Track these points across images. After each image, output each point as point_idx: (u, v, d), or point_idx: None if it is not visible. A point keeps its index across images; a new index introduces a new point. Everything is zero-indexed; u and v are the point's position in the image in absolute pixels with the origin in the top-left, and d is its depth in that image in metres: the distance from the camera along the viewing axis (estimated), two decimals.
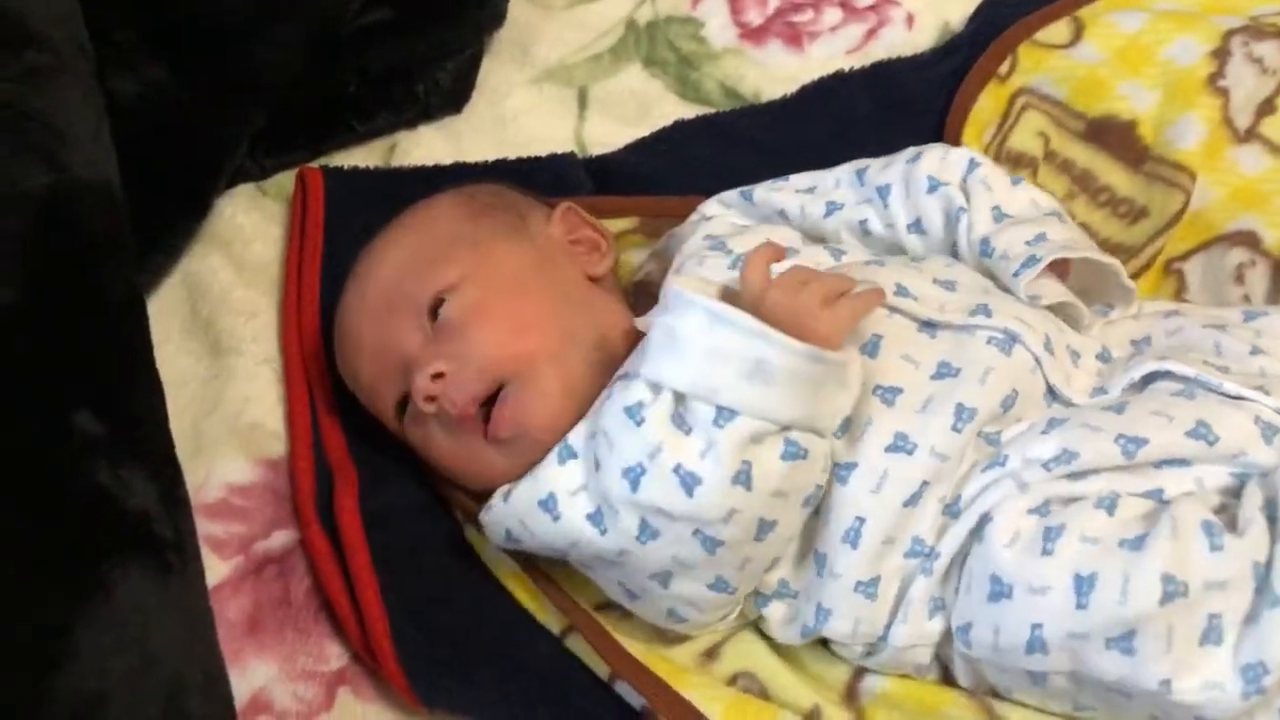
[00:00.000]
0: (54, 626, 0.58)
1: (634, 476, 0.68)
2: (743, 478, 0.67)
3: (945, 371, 0.73)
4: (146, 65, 0.91)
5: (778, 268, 0.72)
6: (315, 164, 1.02)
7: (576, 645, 0.76)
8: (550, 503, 0.71)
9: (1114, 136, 0.96)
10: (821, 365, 0.67)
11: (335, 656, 0.80)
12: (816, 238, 0.87)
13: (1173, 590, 0.63)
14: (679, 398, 0.67)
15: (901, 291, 0.76)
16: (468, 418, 0.76)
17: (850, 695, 0.73)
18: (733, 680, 0.74)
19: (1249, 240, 0.90)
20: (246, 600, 0.82)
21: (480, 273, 0.79)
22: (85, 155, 0.78)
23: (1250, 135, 0.94)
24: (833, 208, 0.86)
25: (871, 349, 0.74)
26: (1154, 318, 0.82)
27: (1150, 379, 0.74)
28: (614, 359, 0.76)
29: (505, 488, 0.74)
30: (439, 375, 0.76)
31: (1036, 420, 0.73)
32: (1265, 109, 0.95)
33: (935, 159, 0.85)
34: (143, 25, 0.91)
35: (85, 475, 0.65)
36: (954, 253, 0.83)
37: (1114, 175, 0.95)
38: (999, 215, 0.83)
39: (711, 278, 0.77)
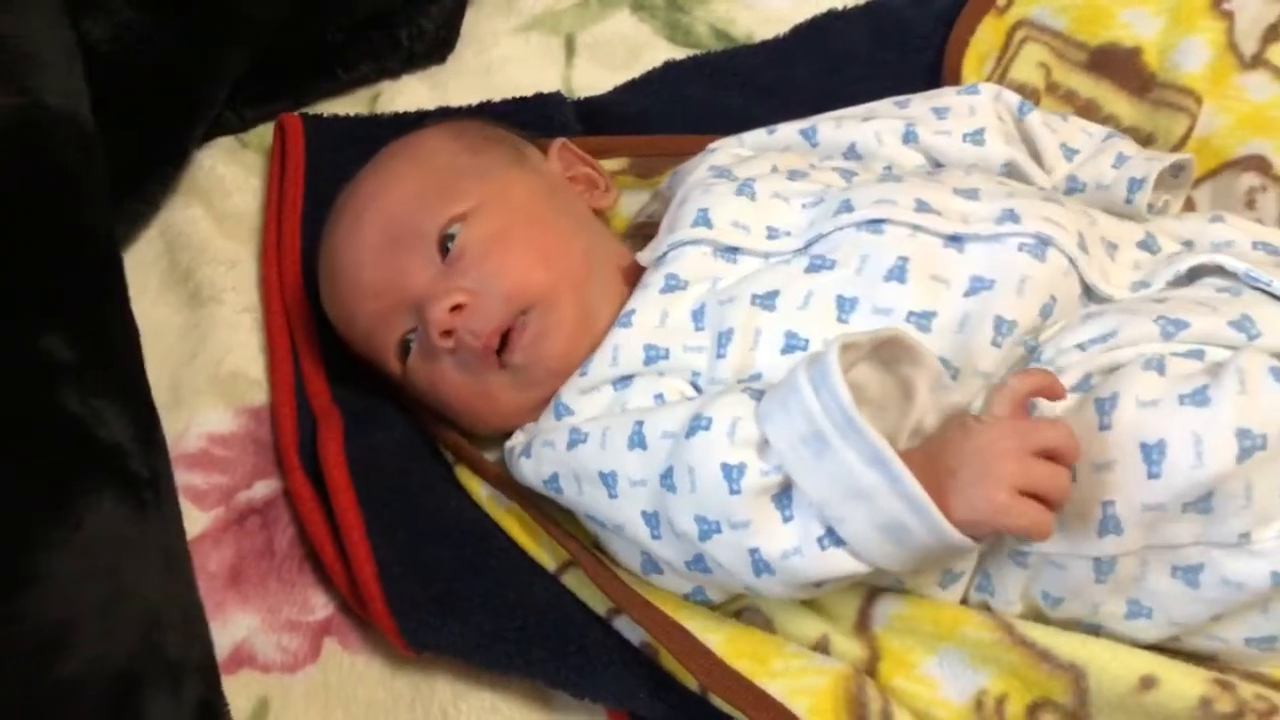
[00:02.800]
0: (17, 547, 0.55)
1: (706, 529, 0.63)
2: (813, 587, 0.64)
3: (979, 285, 0.68)
4: (119, 7, 0.88)
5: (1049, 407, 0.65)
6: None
7: (574, 581, 0.73)
8: (611, 480, 0.68)
9: (1117, 65, 0.93)
10: (956, 548, 0.61)
11: (320, 606, 0.78)
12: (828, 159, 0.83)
13: (1250, 445, 0.59)
14: (790, 480, 0.62)
15: (922, 207, 0.71)
16: (489, 350, 0.73)
17: (862, 623, 0.69)
18: (737, 614, 0.71)
19: (1259, 165, 0.87)
20: (228, 551, 0.79)
21: (493, 202, 0.76)
22: (56, 84, 0.75)
23: (1257, 62, 0.92)
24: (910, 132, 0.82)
25: (899, 273, 0.69)
26: (1199, 221, 0.78)
27: (1195, 276, 0.71)
28: (620, 294, 0.75)
29: (566, 434, 0.70)
30: (458, 307, 0.73)
31: (1071, 320, 0.69)
32: (1271, 35, 0.92)
33: (991, 95, 0.83)
34: None
35: (54, 399, 0.62)
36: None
37: (1118, 105, 0.93)
38: (1068, 152, 0.83)
39: (721, 207, 0.74)
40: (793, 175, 0.77)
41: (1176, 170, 0.82)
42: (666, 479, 0.64)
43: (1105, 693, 0.63)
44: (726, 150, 0.83)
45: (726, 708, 0.65)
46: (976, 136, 0.80)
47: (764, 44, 1.02)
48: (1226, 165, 0.88)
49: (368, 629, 0.76)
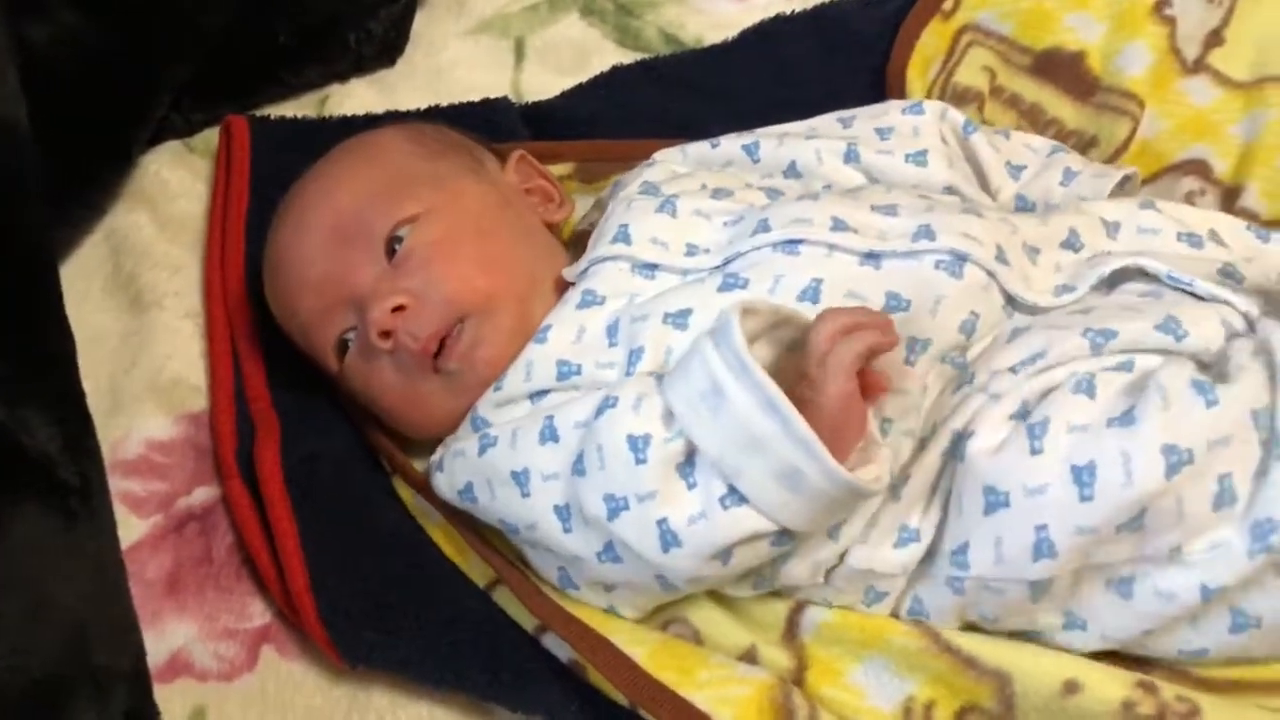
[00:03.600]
0: None
1: (615, 507, 0.64)
2: (722, 556, 0.63)
3: (895, 305, 0.69)
4: (59, 9, 0.87)
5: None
6: None
7: (503, 598, 0.73)
8: (523, 478, 0.68)
9: (1062, 69, 0.94)
10: (855, 496, 0.62)
11: (259, 613, 0.77)
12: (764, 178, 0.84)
13: (1177, 461, 0.60)
14: (693, 445, 0.63)
15: (838, 225, 0.71)
16: (426, 354, 0.73)
17: (789, 632, 0.69)
18: (664, 627, 0.71)
19: (1200, 169, 0.87)
20: (166, 559, 0.79)
21: (444, 209, 0.76)
22: None
23: (1199, 66, 0.92)
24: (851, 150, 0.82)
25: (813, 294, 0.69)
26: (1131, 205, 0.78)
27: (1118, 279, 0.71)
28: None
29: (476, 441, 0.70)
30: (399, 308, 0.72)
31: (1000, 333, 0.70)
32: (1213, 40, 0.93)
33: (936, 114, 0.84)
34: None
35: None
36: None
37: (1062, 108, 0.93)
38: (1014, 170, 0.83)
39: (641, 224, 0.75)
40: (717, 194, 0.77)
41: (1123, 182, 0.83)
42: (578, 464, 0.65)
43: (1030, 698, 0.64)
44: (663, 165, 0.83)
45: (649, 714, 0.65)
46: (919, 158, 0.81)
47: (712, 48, 1.02)
48: (1167, 169, 0.88)
49: (306, 636, 0.75)
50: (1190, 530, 0.61)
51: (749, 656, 0.69)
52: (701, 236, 0.74)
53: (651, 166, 0.83)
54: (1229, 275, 0.71)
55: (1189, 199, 0.86)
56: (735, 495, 0.61)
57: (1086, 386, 0.63)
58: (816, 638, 0.68)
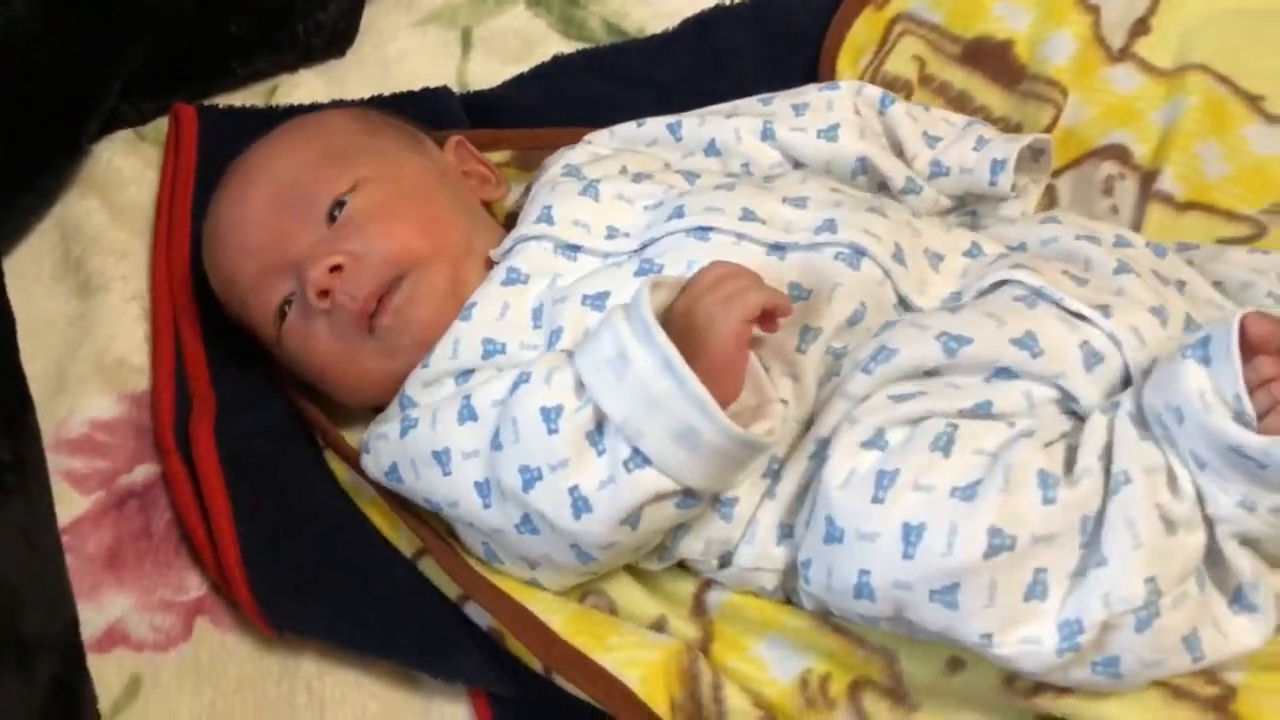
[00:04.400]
0: None
1: (529, 478, 0.67)
2: (632, 520, 0.66)
3: (797, 294, 0.72)
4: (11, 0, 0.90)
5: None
6: None
7: (428, 568, 0.76)
8: (444, 457, 0.70)
9: (989, 58, 0.96)
10: (749, 451, 0.65)
11: (194, 586, 0.80)
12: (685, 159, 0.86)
13: (999, 544, 0.61)
14: (601, 414, 0.66)
15: (748, 216, 0.75)
16: (365, 313, 0.75)
17: (697, 608, 0.72)
18: (582, 598, 0.74)
19: (1119, 154, 0.90)
20: (107, 534, 0.82)
21: (384, 177, 0.79)
22: None
23: (1124, 55, 0.95)
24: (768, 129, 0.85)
25: None
26: (1031, 223, 0.80)
27: (1001, 286, 0.73)
28: None
29: (398, 423, 0.73)
30: (336, 268, 0.75)
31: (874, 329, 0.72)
32: (1139, 29, 0.96)
33: (852, 90, 0.86)
34: None
35: None
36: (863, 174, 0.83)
37: (990, 96, 0.95)
38: (930, 140, 0.85)
39: (564, 205, 0.77)
40: (638, 178, 0.79)
41: (1037, 154, 0.85)
42: (495, 440, 0.68)
43: (917, 675, 0.67)
44: (585, 148, 0.85)
45: (563, 682, 0.68)
46: (830, 133, 0.83)
47: (652, 38, 1.05)
48: (1089, 154, 0.91)
49: (238, 608, 0.78)
50: (1001, 620, 0.61)
51: (659, 626, 0.72)
52: (622, 220, 0.77)
53: (574, 149, 0.85)
54: (1124, 269, 0.73)
55: (1108, 183, 0.89)
56: (639, 457, 0.64)
57: (945, 443, 0.64)
58: (721, 615, 0.72)
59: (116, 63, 0.95)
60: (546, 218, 0.77)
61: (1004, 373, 0.67)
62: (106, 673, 0.76)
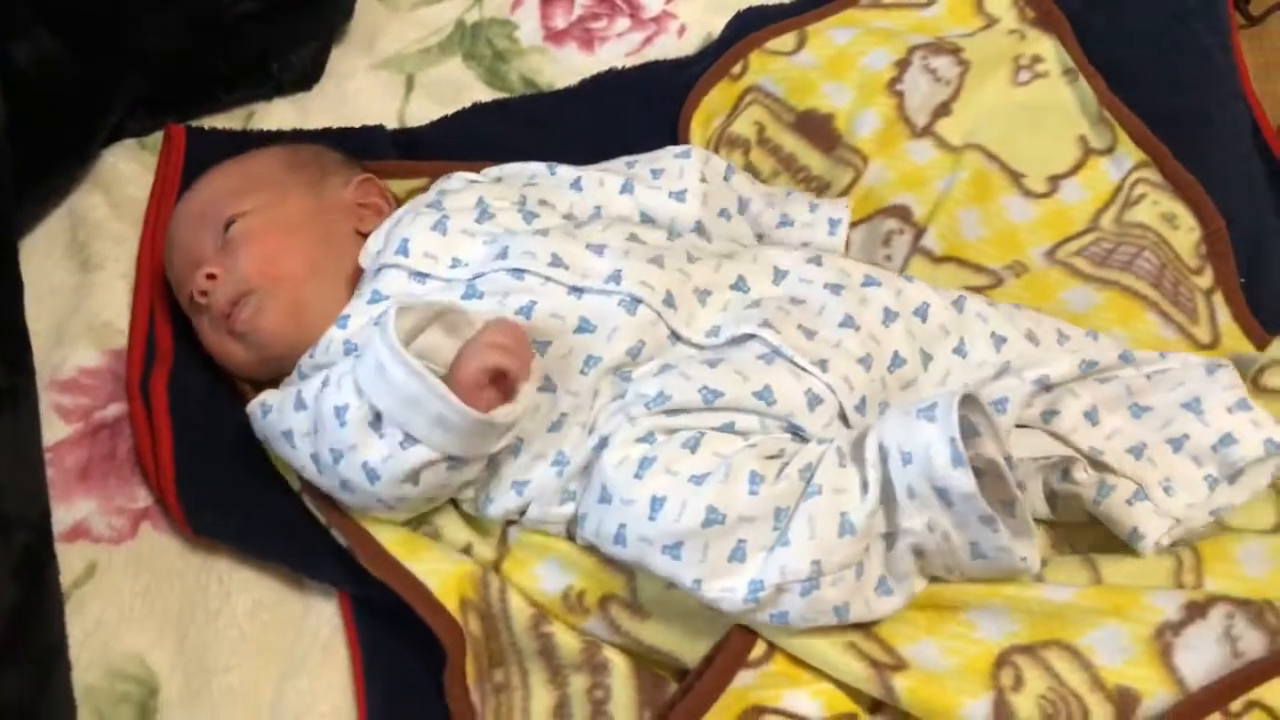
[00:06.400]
0: None
1: (335, 456, 0.88)
2: (412, 478, 0.87)
3: (584, 327, 0.92)
4: (42, 36, 1.13)
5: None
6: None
7: (306, 499, 0.97)
8: (289, 437, 0.91)
9: (815, 127, 1.17)
10: (491, 428, 0.85)
11: (143, 498, 1.02)
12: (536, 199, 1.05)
13: (713, 518, 0.82)
14: (376, 409, 0.85)
15: (555, 262, 0.94)
16: (223, 315, 0.99)
17: (502, 539, 0.94)
18: (416, 527, 0.95)
19: (902, 213, 1.10)
20: (82, 454, 1.04)
21: (267, 208, 1.02)
22: None
23: (925, 132, 1.15)
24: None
25: (527, 311, 0.92)
26: (803, 255, 0.98)
27: (749, 340, 0.92)
28: (343, 299, 0.98)
29: (265, 401, 0.94)
30: (211, 276, 0.99)
31: (659, 360, 0.92)
32: (941, 111, 1.15)
33: (701, 159, 1.06)
34: (40, 4, 1.12)
35: None
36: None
37: (811, 158, 1.16)
38: (770, 200, 1.08)
39: (418, 239, 0.97)
40: (482, 216, 0.99)
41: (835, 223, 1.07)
42: (314, 426, 0.89)
43: (649, 589, 0.89)
44: (461, 177, 1.06)
45: (384, 580, 0.90)
46: (680, 195, 1.03)
47: (556, 92, 1.26)
48: (879, 211, 1.11)
49: (171, 516, 1.01)
50: (709, 571, 0.83)
51: (466, 550, 0.94)
52: (464, 252, 0.97)
53: (450, 178, 1.06)
54: (848, 323, 0.93)
55: (888, 236, 1.09)
56: (410, 439, 0.85)
57: (693, 444, 0.86)
58: (517, 543, 0.94)
59: (122, 88, 1.19)
60: (403, 250, 0.97)
61: (748, 410, 0.89)
62: (71, 557, 0.97)
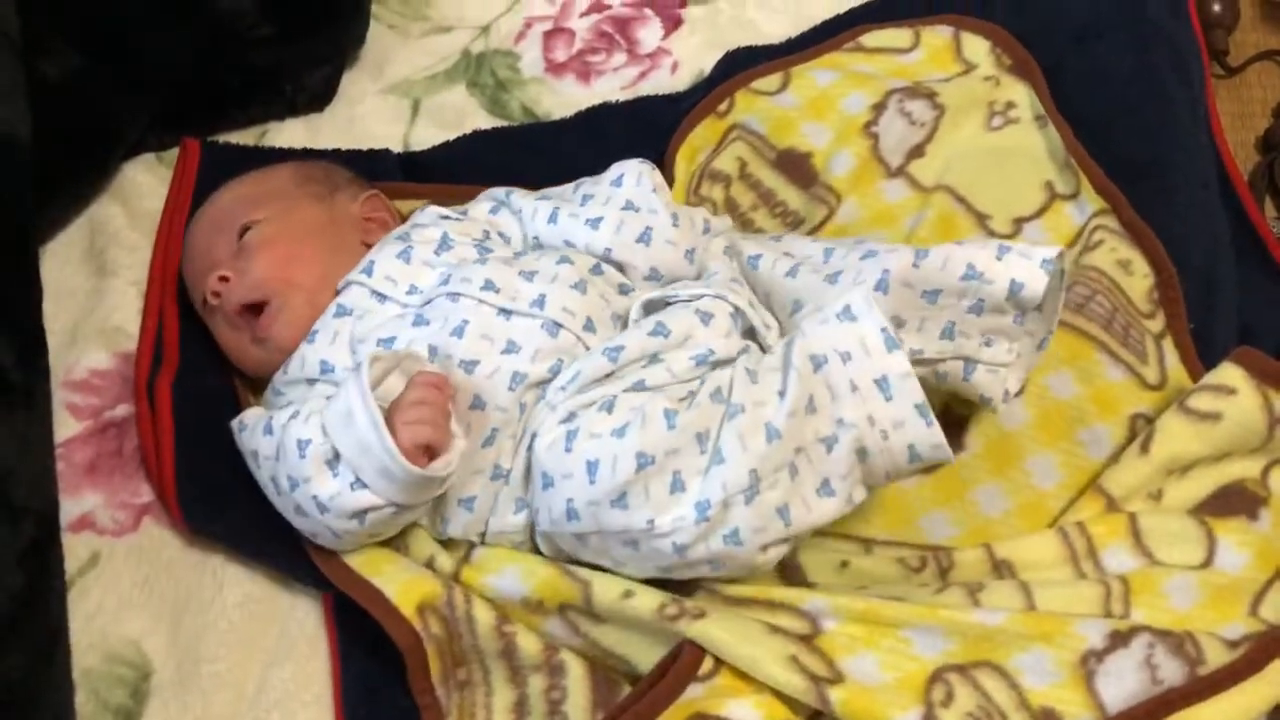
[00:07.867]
0: None
1: (292, 484, 0.94)
2: (358, 518, 0.93)
3: (510, 348, 0.98)
4: (68, 55, 1.19)
5: None
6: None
7: None
8: (255, 457, 0.97)
9: (794, 165, 1.23)
10: (432, 482, 0.92)
11: (145, 494, 1.08)
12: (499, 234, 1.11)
13: (644, 462, 0.88)
14: (336, 449, 0.91)
15: (488, 286, 1.00)
16: (237, 317, 1.06)
17: (466, 555, 1.00)
18: (385, 544, 1.00)
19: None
20: (91, 451, 1.11)
21: (280, 218, 1.09)
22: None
23: (899, 173, 1.20)
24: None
25: (459, 332, 0.98)
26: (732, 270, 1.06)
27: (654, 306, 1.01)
28: None
29: (244, 420, 0.99)
30: (224, 279, 1.06)
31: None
32: (915, 153, 1.21)
33: (632, 182, 1.09)
34: (69, 26, 1.20)
35: None
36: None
37: (789, 194, 1.22)
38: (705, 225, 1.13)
39: (382, 263, 1.05)
40: (441, 249, 1.06)
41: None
42: (277, 453, 0.95)
43: (602, 599, 0.94)
44: (432, 211, 1.13)
45: (341, 588, 0.97)
46: (594, 223, 1.06)
47: (552, 123, 1.32)
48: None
49: (170, 512, 1.07)
50: (657, 508, 0.89)
51: (429, 563, 0.99)
52: (421, 280, 1.04)
53: (425, 211, 1.13)
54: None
55: None
56: (360, 483, 0.91)
57: (609, 405, 0.93)
58: (480, 556, 0.99)
59: (142, 106, 1.26)
60: (368, 270, 1.05)
61: (652, 359, 0.96)
62: (76, 547, 1.03)
